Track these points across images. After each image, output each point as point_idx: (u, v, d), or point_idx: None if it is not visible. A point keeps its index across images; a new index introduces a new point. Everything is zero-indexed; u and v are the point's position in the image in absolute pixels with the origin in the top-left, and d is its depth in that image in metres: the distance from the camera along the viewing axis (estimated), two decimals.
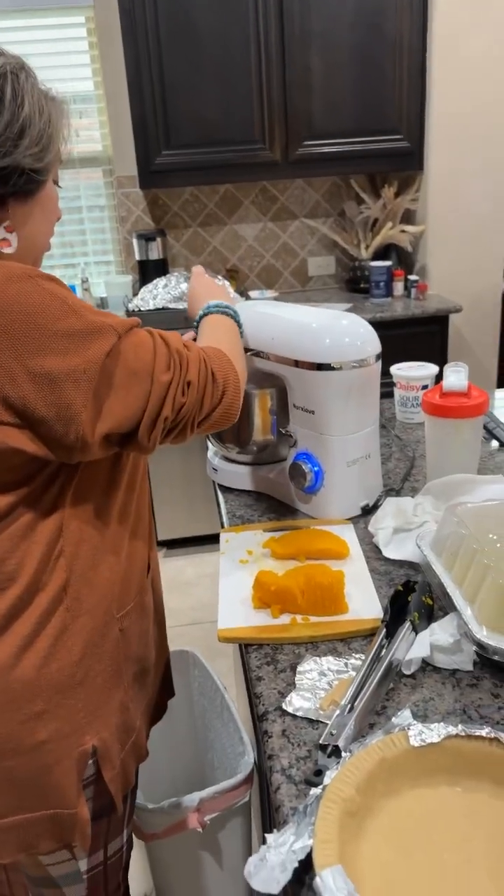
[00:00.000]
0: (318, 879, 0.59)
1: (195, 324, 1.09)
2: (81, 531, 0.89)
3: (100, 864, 1.01)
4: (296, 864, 0.62)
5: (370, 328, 1.20)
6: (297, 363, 1.18)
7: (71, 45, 3.05)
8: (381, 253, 3.27)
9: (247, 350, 1.27)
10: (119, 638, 0.94)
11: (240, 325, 1.11)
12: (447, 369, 1.24)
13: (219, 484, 1.42)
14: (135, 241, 3.17)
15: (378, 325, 2.81)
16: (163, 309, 2.83)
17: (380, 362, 1.20)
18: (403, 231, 3.18)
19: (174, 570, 3.00)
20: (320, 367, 1.15)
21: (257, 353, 1.25)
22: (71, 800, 0.91)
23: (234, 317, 1.10)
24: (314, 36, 2.82)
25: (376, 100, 2.94)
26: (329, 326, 1.18)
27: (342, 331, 1.18)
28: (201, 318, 1.09)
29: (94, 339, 0.79)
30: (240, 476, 1.39)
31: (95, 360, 0.79)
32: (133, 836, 1.14)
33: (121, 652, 0.95)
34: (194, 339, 1.10)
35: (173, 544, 3.17)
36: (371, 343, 1.18)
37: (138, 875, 1.67)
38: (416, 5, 2.83)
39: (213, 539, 3.14)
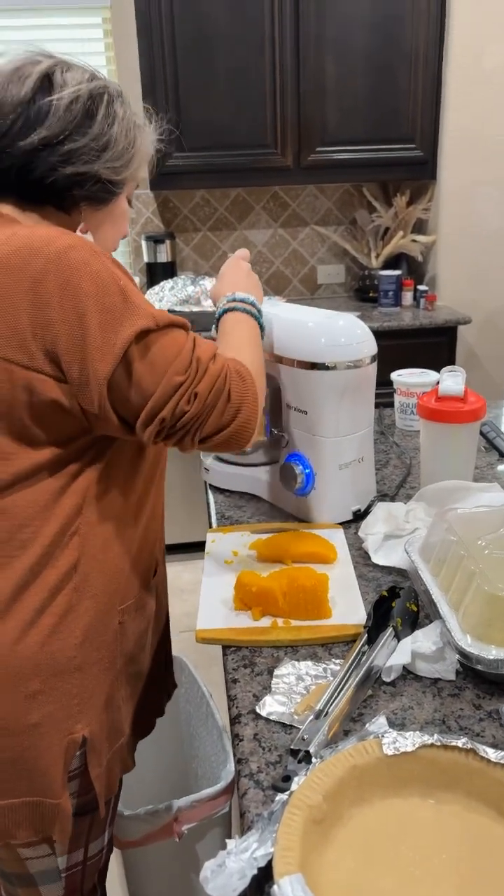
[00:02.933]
0: (275, 888, 0.57)
1: (217, 315, 1.05)
2: (99, 513, 0.92)
3: (79, 863, 1.00)
4: (255, 872, 0.60)
5: (367, 329, 1.19)
6: (291, 362, 1.17)
7: (87, 46, 3.07)
8: (392, 262, 3.26)
9: None
10: (118, 630, 0.96)
11: (262, 328, 1.06)
12: (444, 373, 1.22)
13: (210, 484, 1.41)
14: (143, 243, 3.18)
15: (385, 334, 2.80)
16: (168, 311, 2.83)
17: (375, 364, 1.19)
18: (414, 241, 3.17)
19: (171, 575, 2.98)
20: (315, 366, 1.14)
21: None
22: (56, 789, 0.91)
23: (259, 318, 1.05)
24: (329, 41, 2.82)
25: (390, 108, 2.94)
26: (325, 326, 1.17)
27: (338, 331, 1.16)
28: (226, 311, 1.04)
29: (131, 319, 0.83)
30: (231, 476, 1.37)
31: (127, 338, 0.83)
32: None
33: (118, 646, 0.96)
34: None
35: (171, 549, 3.16)
36: (367, 344, 1.17)
37: (115, 882, 1.64)
38: (434, 14, 2.84)
39: None
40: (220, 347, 0.97)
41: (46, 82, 0.89)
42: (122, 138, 0.93)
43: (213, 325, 1.06)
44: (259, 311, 1.05)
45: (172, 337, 0.87)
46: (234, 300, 1.04)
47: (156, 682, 1.13)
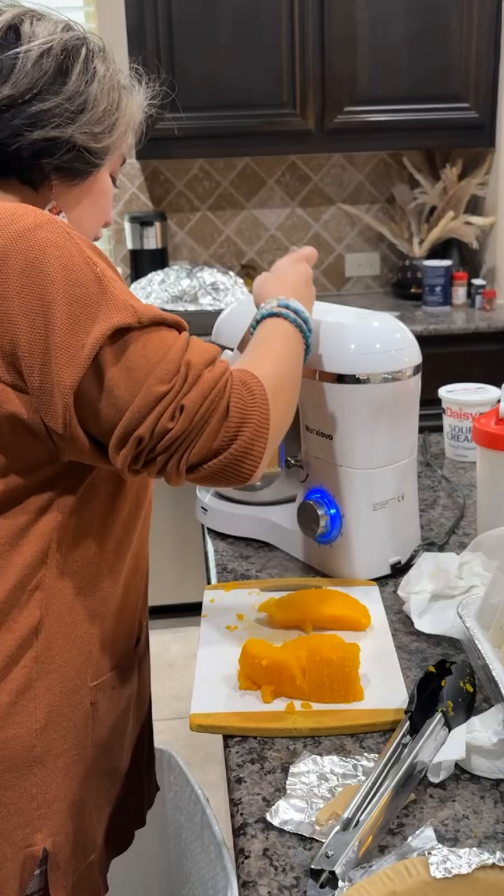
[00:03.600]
0: None
1: (258, 317, 1.05)
2: (68, 563, 0.92)
3: None
4: None
5: (408, 333, 1.20)
6: (312, 374, 1.18)
7: None
8: (440, 250, 3.30)
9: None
10: (89, 713, 0.96)
11: (308, 348, 1.06)
12: None
13: (208, 528, 1.41)
14: (127, 226, 3.23)
15: (432, 341, 2.82)
16: None
17: (419, 377, 1.20)
18: (468, 223, 3.20)
19: (156, 647, 2.97)
20: (342, 379, 1.15)
21: None
22: None
23: (305, 335, 1.05)
24: None
25: (438, 59, 3.00)
26: (356, 328, 1.18)
27: (372, 334, 1.18)
28: (266, 316, 1.04)
29: (106, 313, 0.84)
30: (235, 518, 1.38)
31: (99, 337, 0.83)
32: None
33: (89, 733, 0.96)
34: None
35: (157, 613, 3.15)
36: (409, 351, 1.18)
37: None
38: None
39: None
40: (244, 354, 0.98)
41: (12, 34, 0.93)
42: (102, 99, 0.96)
43: (250, 327, 1.06)
44: (310, 330, 1.05)
45: (158, 337, 0.87)
46: (287, 307, 1.04)
47: (135, 783, 1.13)
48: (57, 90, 0.93)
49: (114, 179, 1.06)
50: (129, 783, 1.10)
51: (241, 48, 2.91)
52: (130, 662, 1.04)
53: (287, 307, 1.03)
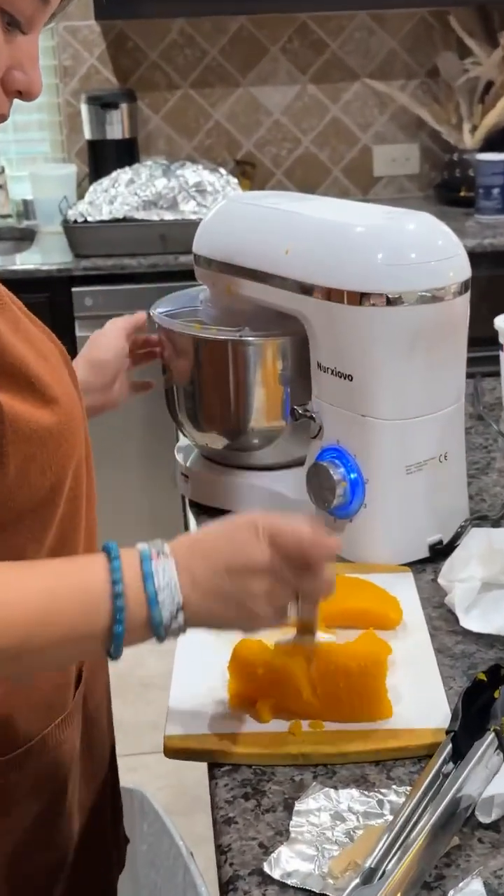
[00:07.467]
0: None
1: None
2: None
3: None
4: None
5: (453, 237, 1.20)
6: (325, 292, 1.17)
7: None
8: (498, 140, 3.28)
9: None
10: None
11: (111, 655, 0.90)
12: None
13: (190, 500, 1.42)
14: (84, 109, 3.22)
15: (488, 258, 2.82)
16: (123, 220, 2.85)
17: (467, 297, 1.19)
18: None
19: (130, 662, 2.99)
20: (366, 298, 1.14)
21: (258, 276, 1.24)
22: None
23: (115, 639, 0.87)
24: None
25: None
26: (383, 231, 1.18)
27: (406, 239, 1.17)
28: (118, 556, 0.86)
29: None
30: (226, 487, 1.38)
31: None
32: None
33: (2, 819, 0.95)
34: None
35: None
36: (454, 262, 1.18)
37: None
38: None
39: None
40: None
41: None
42: None
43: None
44: (156, 626, 0.88)
45: None
46: (145, 575, 0.86)
47: (94, 847, 1.12)
48: None
49: (19, 24, 0.89)
50: (84, 851, 1.09)
51: None
52: (64, 719, 1.00)
53: (144, 576, 0.85)
